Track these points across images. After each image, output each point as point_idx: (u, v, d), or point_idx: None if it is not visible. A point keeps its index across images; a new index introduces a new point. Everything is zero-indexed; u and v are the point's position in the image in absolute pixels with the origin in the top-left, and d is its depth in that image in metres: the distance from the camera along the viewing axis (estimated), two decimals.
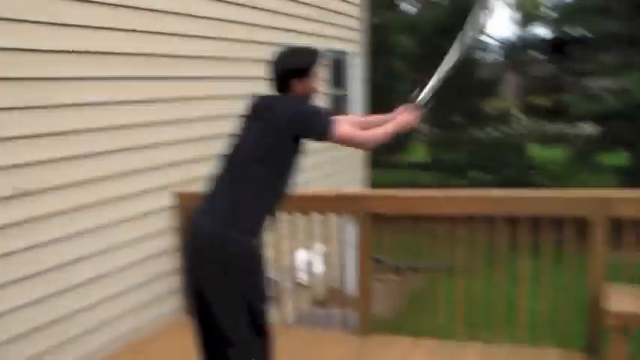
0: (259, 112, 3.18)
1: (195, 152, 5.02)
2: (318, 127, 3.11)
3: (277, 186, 3.11)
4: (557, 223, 3.78)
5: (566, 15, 12.72)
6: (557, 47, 14.03)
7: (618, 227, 3.65)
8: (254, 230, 3.00)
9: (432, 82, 3.67)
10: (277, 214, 3.21)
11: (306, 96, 3.21)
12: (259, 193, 3.05)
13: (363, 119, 3.75)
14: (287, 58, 3.23)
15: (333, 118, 3.14)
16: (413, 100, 3.53)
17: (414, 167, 16.09)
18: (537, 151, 14.87)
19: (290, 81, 3.16)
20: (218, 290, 2.98)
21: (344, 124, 3.17)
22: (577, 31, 13.41)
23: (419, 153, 16.15)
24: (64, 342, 3.93)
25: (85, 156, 4.08)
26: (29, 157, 3.68)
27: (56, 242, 3.87)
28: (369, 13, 10.94)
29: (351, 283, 4.58)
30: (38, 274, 3.75)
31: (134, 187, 4.49)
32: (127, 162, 4.44)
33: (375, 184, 15.80)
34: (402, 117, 3.49)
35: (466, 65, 15.16)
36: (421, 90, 3.60)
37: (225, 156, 3.15)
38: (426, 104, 3.56)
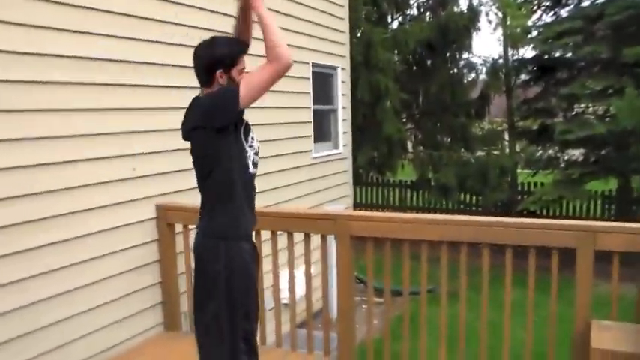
0: (186, 117, 3.14)
1: (179, 164, 4.96)
2: (226, 110, 2.91)
3: (231, 181, 3.01)
4: (544, 249, 3.71)
5: (552, 38, 12.76)
6: (544, 70, 14.08)
7: (607, 257, 3.59)
8: (228, 233, 3.00)
9: None
10: (252, 206, 3.15)
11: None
12: (219, 196, 3.02)
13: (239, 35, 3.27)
14: (212, 48, 3.05)
15: (233, 90, 2.89)
16: None
17: (400, 186, 16.04)
18: (525, 175, 14.89)
19: (214, 72, 2.99)
20: (198, 296, 3.09)
21: (242, 88, 2.86)
22: (563, 55, 13.46)
23: (406, 172, 16.12)
24: (44, 353, 3.87)
25: (67, 162, 4.04)
26: (5, 162, 3.62)
27: (36, 250, 3.79)
28: (354, 28, 10.97)
29: (334, 305, 4.50)
30: (16, 281, 3.69)
31: (117, 197, 4.46)
32: (110, 171, 4.40)
33: (361, 203, 15.87)
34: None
35: (454, 86, 15.22)
36: None
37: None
38: None
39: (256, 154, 3.16)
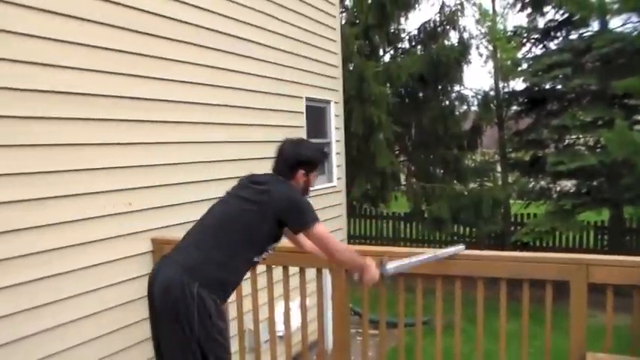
0: (254, 188, 3.34)
1: (173, 198, 4.99)
2: (306, 219, 3.26)
3: (245, 258, 3.29)
4: (538, 282, 3.74)
5: (542, 70, 12.92)
6: (535, 102, 14.23)
7: (602, 287, 3.62)
8: (210, 285, 3.09)
9: (405, 263, 3.68)
10: (238, 281, 3.38)
11: (303, 189, 3.44)
12: (227, 259, 3.18)
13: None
14: (302, 148, 3.46)
15: (317, 217, 3.29)
16: (382, 265, 3.57)
17: (394, 218, 16.06)
18: (518, 206, 14.94)
19: (297, 169, 3.36)
20: (164, 331, 3.15)
21: (324, 227, 3.32)
22: (553, 87, 13.62)
23: (400, 204, 16.16)
24: None
25: (64, 197, 4.08)
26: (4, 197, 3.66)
27: (32, 283, 3.80)
28: (346, 62, 11.07)
29: (329, 337, 4.50)
30: (13, 314, 3.69)
31: (113, 231, 4.48)
32: (106, 204, 4.43)
33: (355, 235, 15.85)
34: (368, 268, 3.50)
35: (446, 118, 15.34)
36: (393, 262, 3.64)
37: (207, 216, 3.36)
38: (388, 277, 3.61)
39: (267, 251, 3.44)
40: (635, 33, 12.16)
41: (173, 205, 5.04)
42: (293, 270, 4.45)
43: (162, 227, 4.94)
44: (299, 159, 3.38)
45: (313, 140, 7.94)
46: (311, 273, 4.40)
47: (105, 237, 4.41)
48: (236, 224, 3.22)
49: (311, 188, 3.54)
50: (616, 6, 12.52)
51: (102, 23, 4.39)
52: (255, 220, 3.21)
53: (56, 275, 4.01)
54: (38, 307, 3.87)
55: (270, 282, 4.49)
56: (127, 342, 4.62)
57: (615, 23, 13.26)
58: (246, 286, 4.27)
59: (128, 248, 4.63)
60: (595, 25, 13.51)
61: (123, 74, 4.57)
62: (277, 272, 4.45)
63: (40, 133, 3.91)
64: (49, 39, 3.96)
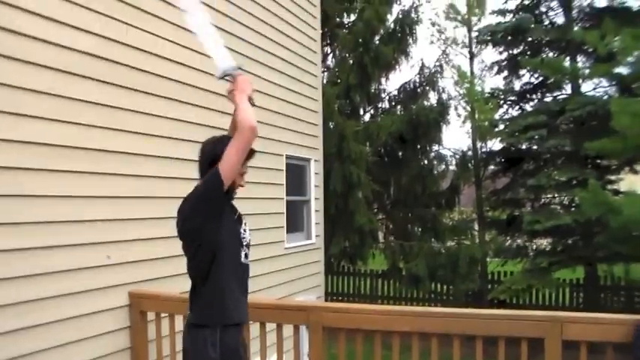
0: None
1: (151, 252, 4.99)
2: (206, 191, 3.09)
3: (220, 277, 3.09)
4: (513, 339, 3.77)
5: (518, 131, 13.22)
6: (512, 161, 14.48)
7: (577, 344, 3.66)
8: (210, 321, 3.04)
9: (211, 49, 3.27)
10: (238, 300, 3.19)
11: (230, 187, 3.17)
12: (207, 288, 3.09)
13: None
14: (210, 145, 3.25)
15: (215, 172, 3.04)
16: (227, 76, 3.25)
17: (372, 276, 16.05)
18: (494, 264, 15.02)
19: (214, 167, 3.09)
20: None
21: (222, 165, 3.03)
22: (529, 147, 13.90)
23: (377, 262, 16.17)
24: None
25: (42, 248, 4.08)
26: None
27: (7, 334, 3.78)
28: (327, 120, 11.21)
29: None
30: None
31: (90, 284, 4.46)
32: (83, 257, 4.41)
33: (332, 292, 15.79)
34: (238, 87, 3.18)
35: (425, 177, 15.52)
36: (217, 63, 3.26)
37: None
38: (230, 69, 3.24)
39: (247, 245, 3.27)
40: (606, 97, 12.55)
41: (152, 259, 5.03)
42: (270, 327, 4.44)
43: (140, 281, 4.92)
44: (215, 158, 3.10)
45: (292, 198, 8.02)
46: (288, 329, 4.40)
47: (82, 289, 4.37)
48: (188, 262, 3.18)
49: (237, 184, 3.27)
50: (587, 71, 12.95)
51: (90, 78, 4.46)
52: (190, 245, 3.15)
53: (30, 327, 3.96)
54: (19, 357, 3.82)
55: (248, 338, 4.46)
56: None
57: (587, 87, 13.67)
58: None
59: (105, 301, 4.60)
60: (568, 89, 13.93)
61: (101, 127, 4.62)
62: (255, 328, 4.44)
63: (21, 182, 3.93)
64: (23, 89, 4.00)
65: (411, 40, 15.77)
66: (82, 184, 4.42)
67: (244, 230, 3.27)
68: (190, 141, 5.61)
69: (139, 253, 4.95)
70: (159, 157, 5.25)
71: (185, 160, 5.59)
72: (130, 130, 4.92)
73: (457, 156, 16.65)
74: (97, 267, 4.52)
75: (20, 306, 3.89)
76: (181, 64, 5.56)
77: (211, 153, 3.18)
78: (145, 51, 5.11)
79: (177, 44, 5.44)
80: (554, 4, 14.57)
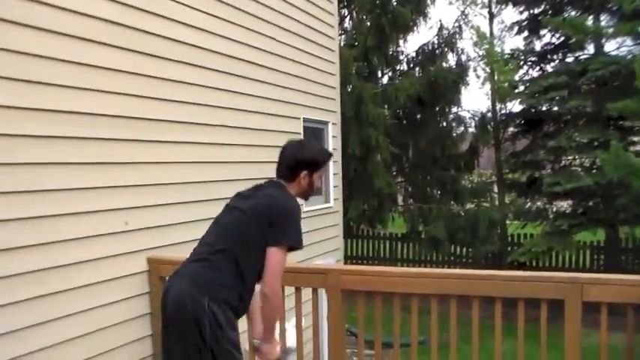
0: (250, 197, 3.38)
1: (168, 218, 5.00)
2: (283, 236, 3.23)
3: (251, 271, 3.25)
4: (533, 301, 3.75)
5: (538, 92, 13.03)
6: (532, 123, 14.32)
7: (597, 306, 3.63)
8: (219, 299, 3.13)
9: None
10: (248, 293, 3.35)
11: (306, 190, 3.40)
12: (234, 276, 3.21)
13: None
14: (302, 149, 3.45)
15: (296, 241, 3.29)
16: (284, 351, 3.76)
17: (391, 239, 16.07)
18: (514, 227, 14.96)
19: (298, 171, 3.32)
20: (176, 343, 3.16)
21: (285, 259, 3.28)
22: (550, 108, 13.73)
23: (396, 225, 16.18)
24: None
25: (61, 215, 4.08)
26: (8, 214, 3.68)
27: (25, 302, 3.80)
28: (345, 83, 11.10)
29: (325, 357, 4.49)
30: (10, 332, 3.67)
31: (109, 251, 4.47)
32: (102, 224, 4.42)
33: (352, 255, 15.86)
34: (273, 343, 3.54)
35: (443, 139, 15.41)
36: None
37: (212, 231, 3.40)
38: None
39: None
40: (630, 56, 12.29)
41: (169, 225, 5.04)
42: (289, 290, 4.45)
43: (158, 247, 4.94)
44: (299, 160, 3.35)
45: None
46: (307, 293, 4.41)
47: (101, 256, 4.41)
48: (238, 239, 3.24)
49: (316, 187, 3.49)
50: (611, 30, 12.67)
51: (99, 42, 4.43)
52: (253, 231, 3.23)
53: (51, 294, 3.99)
54: (32, 326, 3.85)
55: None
56: None
57: (610, 47, 13.41)
58: None
59: (124, 268, 4.63)
60: (591, 49, 13.67)
61: (118, 93, 4.59)
62: None
63: (34, 151, 3.92)
64: (41, 56, 3.97)
65: (429, 1, 15.56)
66: (98, 151, 4.41)
67: None
68: (205, 105, 5.60)
69: (156, 219, 4.96)
70: (179, 122, 5.23)
71: (205, 125, 5.59)
72: (145, 95, 4.90)
73: (476, 118, 16.52)
74: (115, 233, 4.54)
75: (40, 273, 3.92)
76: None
77: (294, 156, 3.39)
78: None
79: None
80: None
